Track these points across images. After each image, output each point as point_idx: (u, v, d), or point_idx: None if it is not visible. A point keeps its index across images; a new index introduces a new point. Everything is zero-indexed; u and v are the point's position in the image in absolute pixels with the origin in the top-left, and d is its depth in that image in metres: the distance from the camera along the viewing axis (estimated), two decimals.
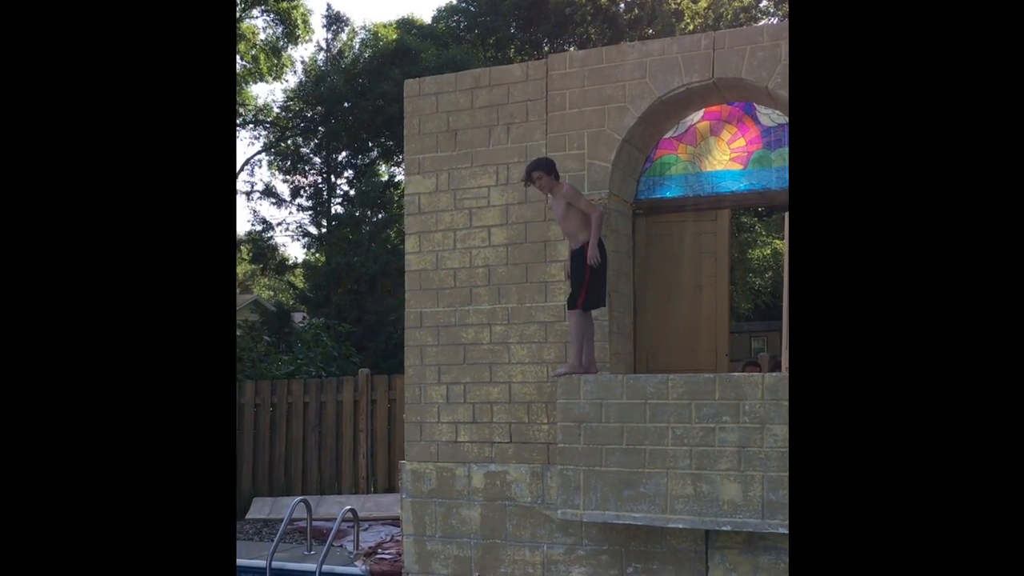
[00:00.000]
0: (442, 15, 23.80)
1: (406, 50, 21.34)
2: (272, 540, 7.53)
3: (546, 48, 22.81)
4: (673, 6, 20.72)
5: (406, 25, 23.96)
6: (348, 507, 7.57)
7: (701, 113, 6.66)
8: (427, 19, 24.82)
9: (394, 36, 23.48)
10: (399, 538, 7.54)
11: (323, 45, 25.86)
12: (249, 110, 27.45)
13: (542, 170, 6.08)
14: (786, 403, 5.52)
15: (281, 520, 7.83)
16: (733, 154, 6.59)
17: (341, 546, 7.86)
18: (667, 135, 6.76)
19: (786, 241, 7.78)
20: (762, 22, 20.91)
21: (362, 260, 18.56)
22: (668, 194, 6.79)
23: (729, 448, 5.64)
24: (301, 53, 42.97)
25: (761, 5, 20.98)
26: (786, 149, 6.44)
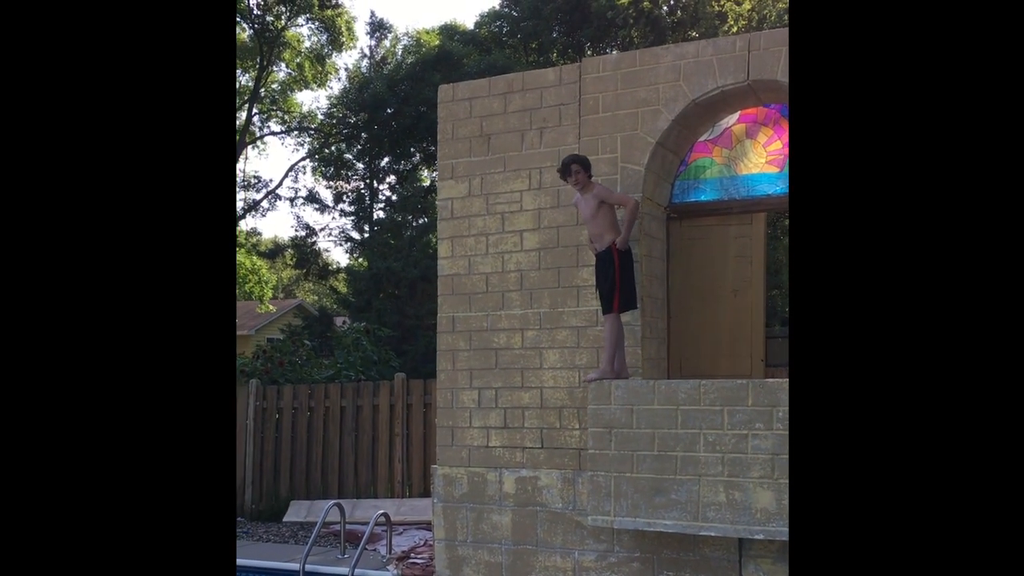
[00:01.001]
0: (484, 20, 23.87)
1: (448, 56, 21.44)
2: (307, 543, 7.57)
3: (588, 52, 22.75)
4: (716, 8, 20.54)
5: (448, 31, 24.08)
6: (381, 511, 7.59)
7: (736, 115, 6.58)
8: (469, 24, 24.89)
9: (436, 42, 23.62)
10: (432, 543, 7.53)
11: (367, 52, 26.09)
12: (294, 117, 27.80)
13: (580, 164, 6.05)
14: None
15: (316, 523, 7.87)
16: (769, 157, 6.49)
17: (375, 550, 7.88)
18: (702, 138, 6.69)
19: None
20: None
21: (402, 265, 18.66)
22: (703, 197, 6.71)
23: (762, 455, 5.54)
24: (345, 60, 43.50)
25: None
26: None
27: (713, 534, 5.73)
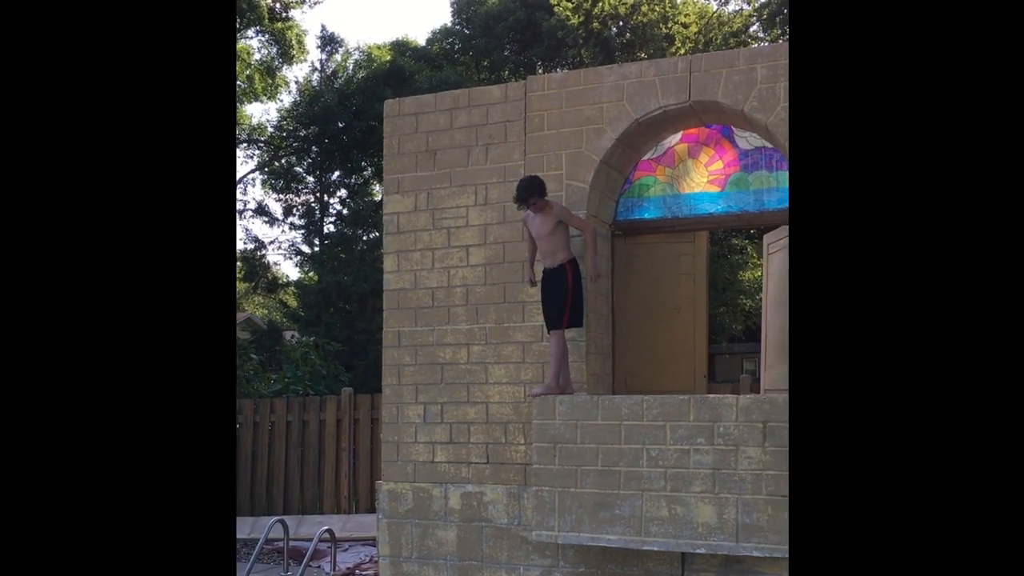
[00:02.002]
0: (436, 37, 23.95)
1: (400, 71, 21.47)
2: (249, 560, 7.47)
3: (540, 71, 22.93)
4: (664, 31, 20.85)
5: (400, 47, 24.11)
6: (325, 527, 7.52)
7: (679, 135, 6.69)
8: (421, 41, 24.93)
9: (388, 57, 23.62)
10: (377, 559, 7.49)
11: (317, 65, 25.97)
12: (243, 129, 27.54)
13: (538, 195, 6.08)
14: (760, 425, 5.51)
15: (259, 539, 7.78)
16: (711, 176, 6.61)
17: (319, 566, 7.81)
18: (645, 157, 6.79)
19: (764, 262, 7.79)
20: (752, 47, 21.03)
21: (353, 279, 18.59)
22: (647, 215, 6.80)
23: (704, 470, 5.62)
24: (295, 73, 43.15)
25: (751, 30, 21.11)
26: (763, 172, 6.47)
27: (656, 548, 5.78)
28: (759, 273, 19.42)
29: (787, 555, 5.46)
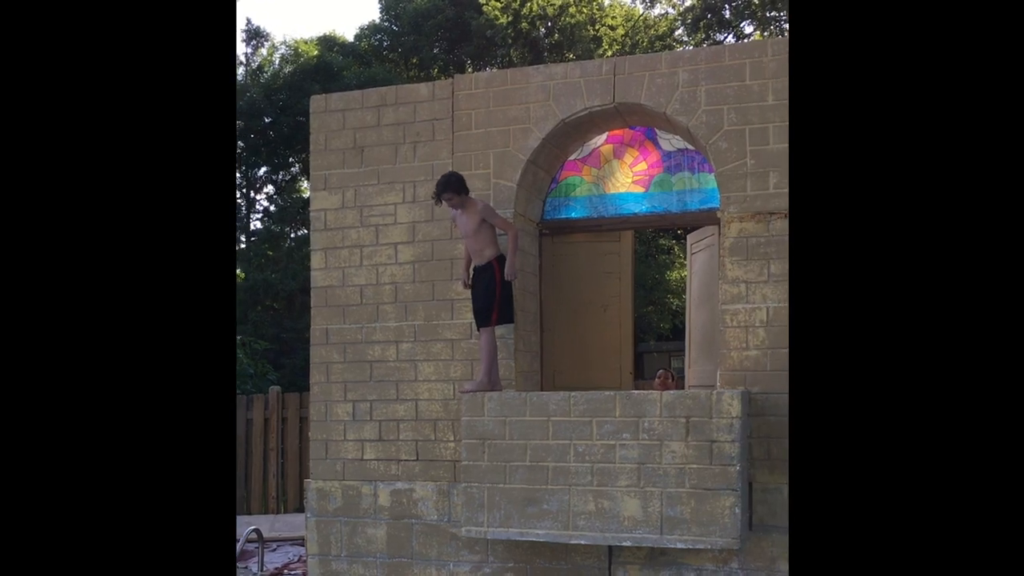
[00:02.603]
0: (364, 33, 23.77)
1: (327, 67, 21.25)
2: None
3: (469, 69, 22.95)
4: (592, 32, 21.08)
5: (327, 42, 23.85)
6: (252, 527, 7.45)
7: (605, 136, 6.81)
8: (349, 37, 24.71)
9: (315, 52, 23.34)
10: (307, 558, 7.45)
11: (243, 59, 25.53)
12: None
13: (451, 191, 6.14)
14: (683, 420, 5.65)
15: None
16: (635, 177, 6.74)
17: (246, 567, 7.73)
18: (572, 157, 6.89)
19: (688, 261, 7.97)
20: (676, 50, 21.40)
21: (280, 277, 18.36)
22: (573, 215, 6.90)
23: (629, 464, 5.74)
24: None
25: (676, 34, 21.47)
26: (686, 173, 6.62)
27: (583, 542, 5.89)
28: (685, 272, 19.80)
29: (709, 546, 5.62)
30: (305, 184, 24.26)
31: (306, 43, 24.90)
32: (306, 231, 21.41)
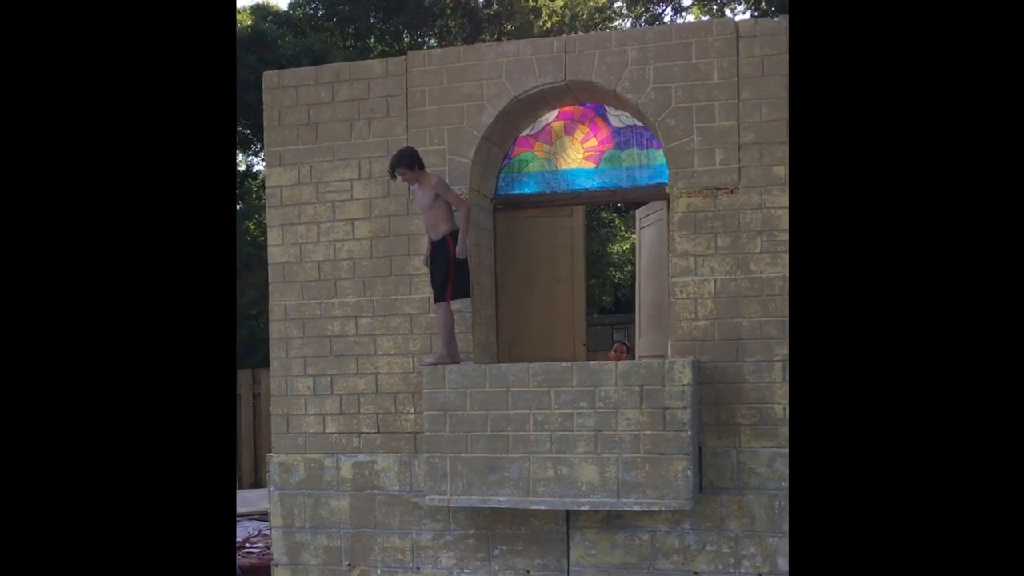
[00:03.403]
0: (299, 2, 23.37)
1: (262, 36, 20.87)
2: None
3: (406, 39, 22.79)
4: (531, 3, 21.10)
5: (261, 11, 23.38)
6: None
7: (556, 113, 6.96)
8: (283, 5, 24.31)
9: (249, 22, 22.89)
10: (267, 532, 7.55)
11: None
12: None
13: (404, 166, 6.25)
14: (637, 388, 5.89)
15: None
16: (586, 153, 6.92)
17: None
18: (524, 133, 7.03)
19: (637, 236, 8.20)
20: (615, 23, 21.57)
21: None
22: (526, 190, 7.06)
23: (586, 432, 5.97)
24: None
25: (615, 6, 21.62)
26: (635, 149, 6.82)
27: (543, 507, 6.12)
28: (627, 246, 20.11)
29: (664, 507, 5.90)
30: (241, 157, 23.88)
31: (240, 12, 24.38)
32: (241, 205, 21.12)
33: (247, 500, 9.12)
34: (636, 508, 5.94)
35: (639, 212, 7.89)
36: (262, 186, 20.37)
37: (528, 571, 6.43)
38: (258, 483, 9.55)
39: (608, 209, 20.82)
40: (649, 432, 5.87)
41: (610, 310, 21.20)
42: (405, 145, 6.54)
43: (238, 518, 8.52)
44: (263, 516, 8.23)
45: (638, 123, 6.78)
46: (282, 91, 7.14)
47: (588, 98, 6.83)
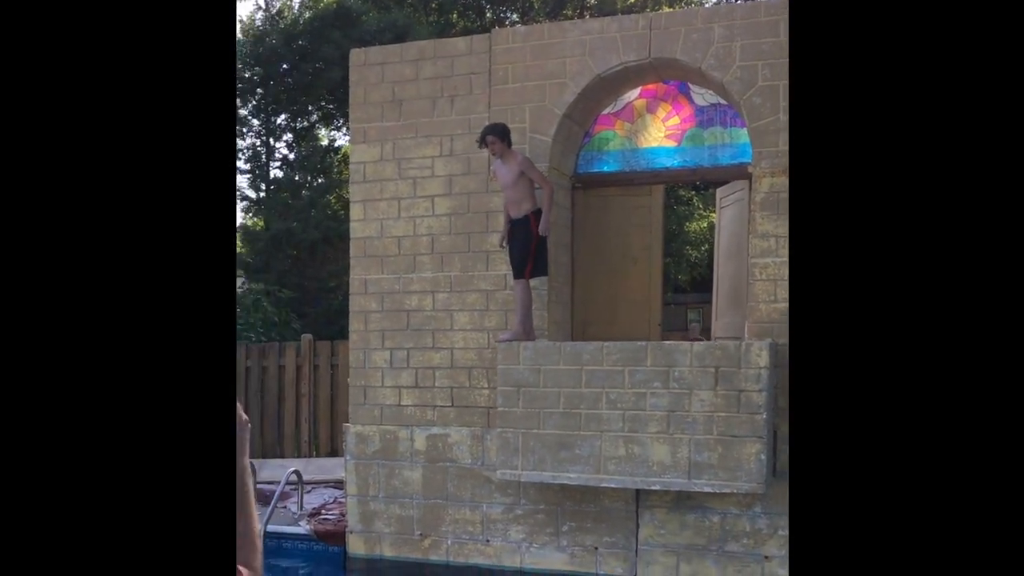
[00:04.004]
0: None
1: (347, 12, 21.13)
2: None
3: (488, 14, 22.80)
4: None
5: None
6: (292, 468, 7.74)
7: (638, 91, 6.90)
8: None
9: None
10: (342, 500, 7.74)
11: (262, 4, 25.42)
12: None
13: (496, 135, 6.30)
14: (712, 370, 5.85)
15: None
16: (668, 131, 6.85)
17: (285, 507, 8.03)
18: (605, 111, 6.99)
19: (717, 215, 8.10)
20: (713, 5, 21.16)
21: (302, 226, 18.51)
22: (605, 168, 7.04)
23: (659, 412, 5.96)
24: (240, 12, 42.07)
25: None
26: (718, 128, 6.73)
27: (613, 486, 6.13)
28: (705, 224, 19.84)
29: (735, 490, 5.86)
30: (323, 132, 24.28)
31: None
32: (323, 179, 21.50)
33: (324, 468, 9.35)
34: (707, 490, 5.92)
35: (720, 191, 7.79)
36: (344, 161, 20.67)
37: (596, 548, 6.47)
38: (334, 452, 9.78)
39: (687, 187, 20.54)
40: (723, 414, 5.83)
41: (685, 289, 20.96)
42: (490, 122, 6.58)
43: (314, 485, 8.76)
44: (338, 484, 8.44)
45: (722, 101, 6.69)
46: (368, 68, 7.24)
47: (672, 76, 6.76)
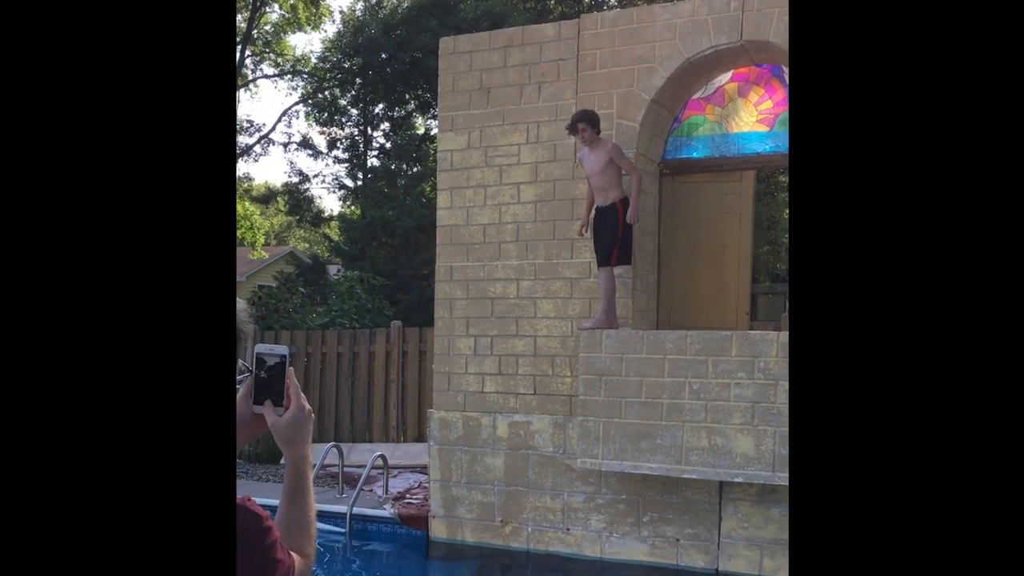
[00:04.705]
0: None
1: (444, 1, 21.31)
2: None
3: (584, 0, 22.65)
4: None
5: None
6: (378, 453, 7.87)
7: (729, 74, 6.73)
8: None
9: None
10: (426, 485, 7.83)
11: None
12: (287, 60, 27.64)
13: (587, 123, 6.25)
14: None
15: (314, 465, 8.14)
16: (760, 116, 6.66)
17: (371, 491, 8.18)
18: (695, 96, 6.85)
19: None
20: None
21: (397, 214, 18.78)
22: (695, 154, 6.89)
23: (743, 403, 5.82)
24: (339, 2, 42.90)
25: None
26: None
27: (695, 477, 6.02)
28: None
29: None
30: (420, 121, 24.59)
31: None
32: (419, 168, 21.76)
33: (410, 453, 9.48)
34: None
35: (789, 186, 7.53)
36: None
37: (678, 539, 6.37)
38: (421, 438, 9.90)
39: (787, 173, 20.00)
40: None
41: (783, 279, 20.45)
42: (577, 109, 6.52)
43: (400, 469, 8.89)
44: (424, 469, 8.54)
45: None
46: (457, 56, 7.27)
47: (764, 59, 6.57)
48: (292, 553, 1.60)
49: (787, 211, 20.32)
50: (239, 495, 1.52)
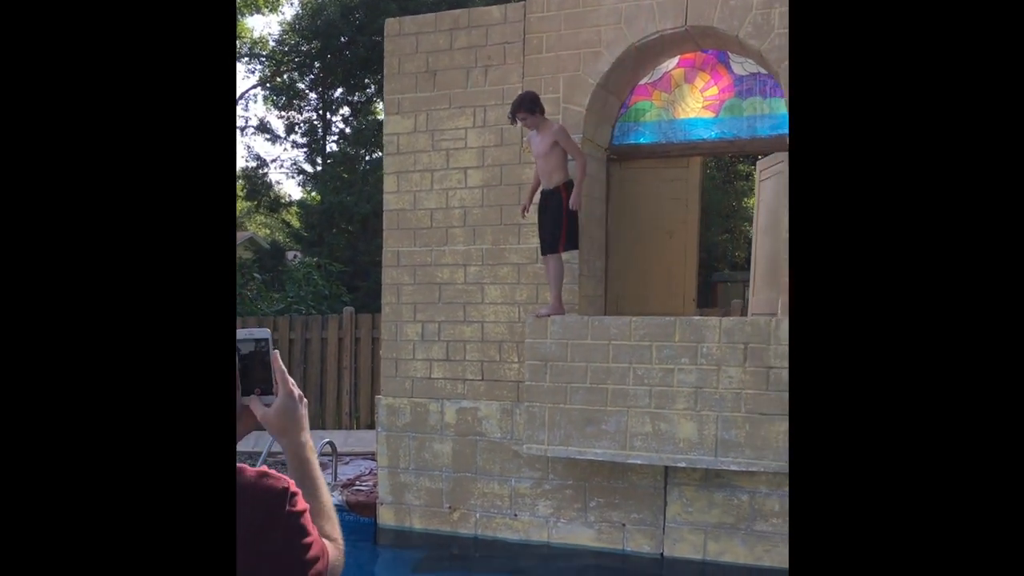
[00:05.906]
0: None
1: None
2: None
3: None
4: None
5: None
6: (326, 440, 7.81)
7: (676, 60, 6.73)
8: None
9: None
10: (377, 471, 7.79)
11: None
12: (244, 42, 27.23)
13: (525, 110, 6.19)
14: (741, 346, 5.70)
15: (262, 453, 8.08)
16: (706, 102, 6.67)
17: None
18: (642, 81, 6.84)
19: (756, 188, 7.89)
20: None
21: (356, 200, 18.64)
22: (642, 140, 6.89)
23: (686, 388, 5.85)
24: None
25: None
26: (757, 98, 6.53)
27: (640, 462, 6.05)
28: None
29: (763, 469, 5.73)
30: (380, 106, 24.38)
31: None
32: (380, 154, 21.59)
33: (363, 440, 9.43)
34: (734, 468, 5.79)
35: (759, 164, 7.57)
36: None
37: (624, 524, 6.40)
38: (373, 424, 9.85)
39: (745, 161, 20.16)
40: (751, 391, 5.69)
41: (742, 267, 20.62)
42: (523, 91, 6.47)
43: (352, 456, 8.84)
44: (375, 456, 8.50)
45: (762, 71, 6.48)
46: (403, 38, 7.19)
47: (710, 44, 6.57)
48: (324, 540, 1.56)
49: (746, 199, 20.48)
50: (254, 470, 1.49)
